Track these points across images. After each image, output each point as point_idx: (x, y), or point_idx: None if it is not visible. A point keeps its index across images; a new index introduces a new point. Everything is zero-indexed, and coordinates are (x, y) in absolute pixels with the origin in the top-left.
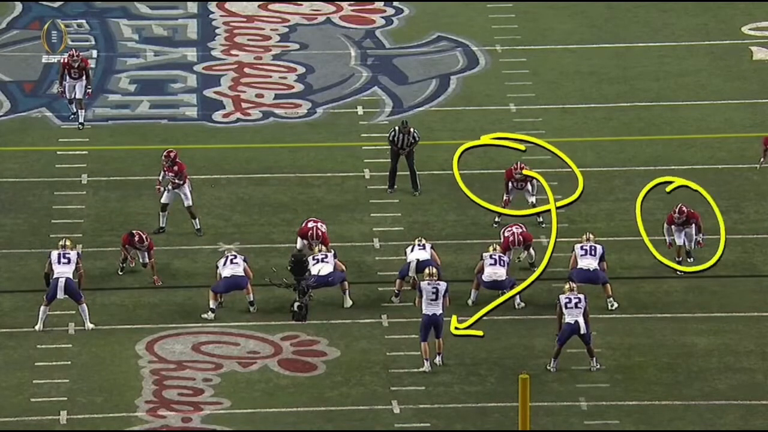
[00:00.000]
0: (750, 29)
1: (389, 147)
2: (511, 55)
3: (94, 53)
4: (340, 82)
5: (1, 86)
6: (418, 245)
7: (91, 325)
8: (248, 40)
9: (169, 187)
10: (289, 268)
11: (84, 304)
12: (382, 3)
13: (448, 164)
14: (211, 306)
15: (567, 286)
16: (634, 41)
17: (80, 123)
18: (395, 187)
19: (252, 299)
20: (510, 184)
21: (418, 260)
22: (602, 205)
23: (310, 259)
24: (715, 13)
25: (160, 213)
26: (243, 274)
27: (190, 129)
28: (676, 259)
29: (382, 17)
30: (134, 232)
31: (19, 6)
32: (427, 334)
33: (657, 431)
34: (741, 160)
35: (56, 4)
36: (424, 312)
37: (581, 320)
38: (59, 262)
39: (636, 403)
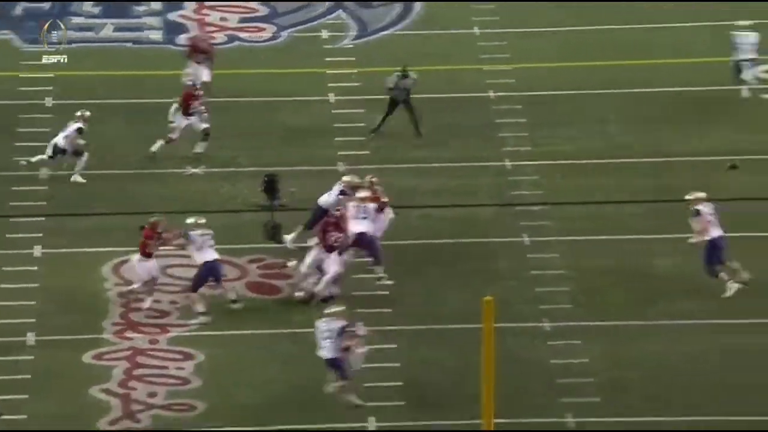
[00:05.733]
0: None
1: (388, 96)
2: None
3: None
4: (305, 6)
5: None
6: (362, 212)
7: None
8: None
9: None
10: (261, 189)
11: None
12: None
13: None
14: (201, 310)
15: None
16: None
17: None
18: (381, 130)
19: (234, 297)
20: None
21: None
22: (571, 131)
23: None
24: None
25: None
26: (217, 256)
27: (155, 53)
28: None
29: None
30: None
31: None
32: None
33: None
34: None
35: None
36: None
37: None
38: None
39: (599, 323)
